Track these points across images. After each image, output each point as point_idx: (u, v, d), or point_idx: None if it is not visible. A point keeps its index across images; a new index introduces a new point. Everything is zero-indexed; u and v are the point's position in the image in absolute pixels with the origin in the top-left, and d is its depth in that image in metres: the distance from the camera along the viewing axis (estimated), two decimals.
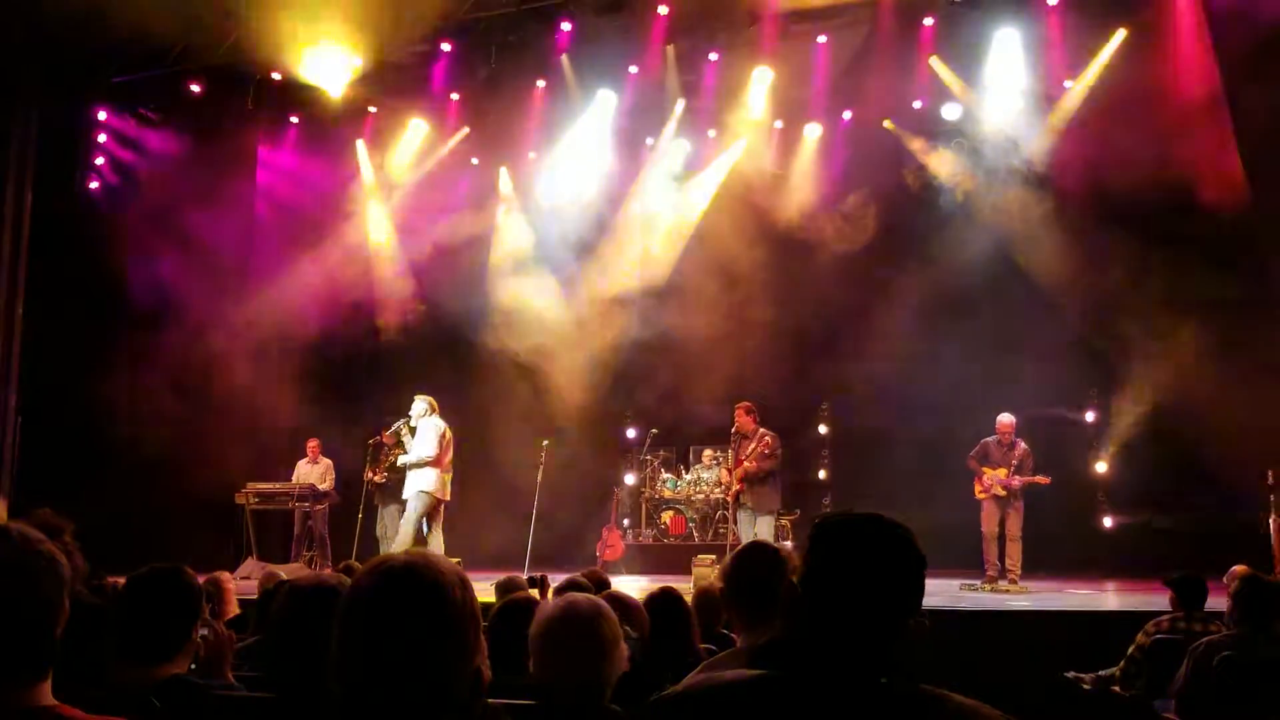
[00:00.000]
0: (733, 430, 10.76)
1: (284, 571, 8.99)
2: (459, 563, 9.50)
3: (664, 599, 4.28)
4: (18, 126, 12.42)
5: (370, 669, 1.73)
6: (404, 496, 10.84)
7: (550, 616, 2.94)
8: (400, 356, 14.71)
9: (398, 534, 10.79)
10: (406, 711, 1.74)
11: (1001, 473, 10.44)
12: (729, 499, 10.92)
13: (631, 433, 15.00)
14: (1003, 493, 10.41)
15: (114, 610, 3.05)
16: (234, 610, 5.77)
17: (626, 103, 13.76)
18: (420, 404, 11.03)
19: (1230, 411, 10.78)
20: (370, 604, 1.76)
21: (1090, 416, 13.09)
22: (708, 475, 13.99)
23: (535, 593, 5.40)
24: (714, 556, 11.17)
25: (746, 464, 10.42)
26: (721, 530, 13.01)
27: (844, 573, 1.68)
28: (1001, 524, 10.47)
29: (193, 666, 3.07)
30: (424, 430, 10.91)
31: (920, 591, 1.70)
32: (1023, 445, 10.54)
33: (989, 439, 10.66)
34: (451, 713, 1.78)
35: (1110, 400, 12.81)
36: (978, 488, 10.58)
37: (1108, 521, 12.72)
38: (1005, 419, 10.64)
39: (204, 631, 3.13)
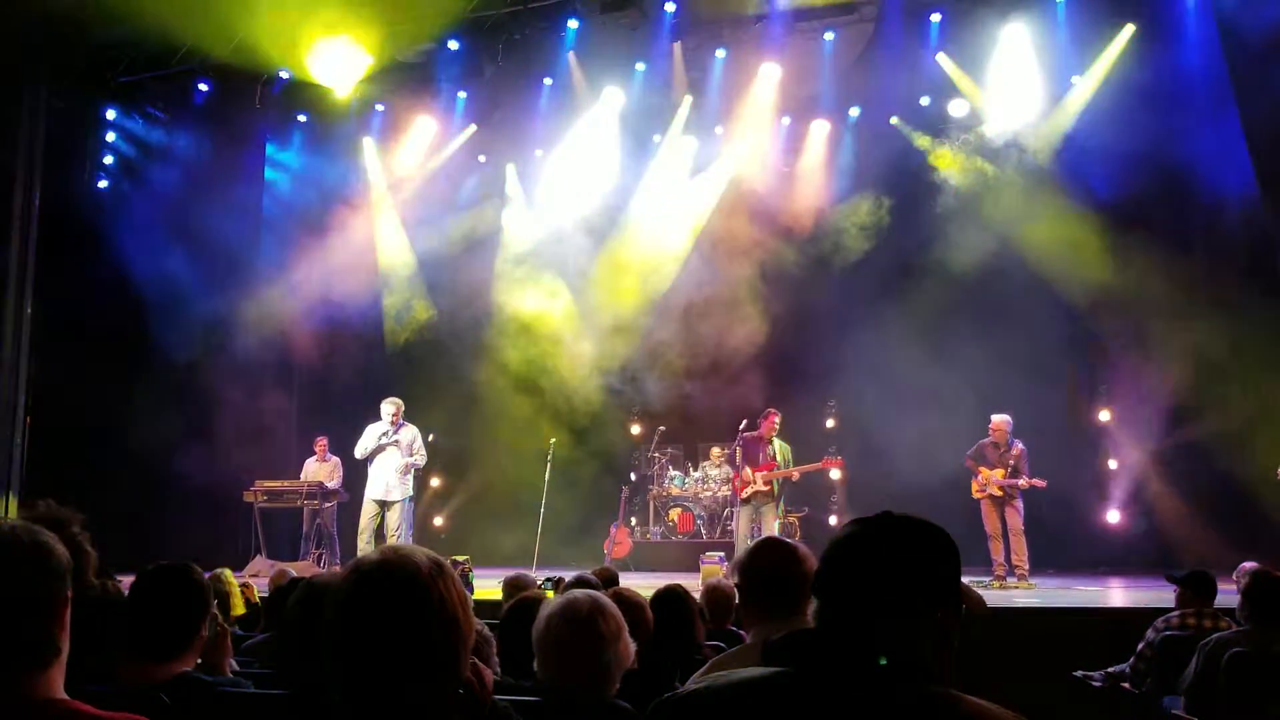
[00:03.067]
0: (760, 433, 10.95)
1: (294, 569, 9.01)
2: (466, 560, 9.52)
3: (669, 597, 4.29)
4: (26, 126, 12.43)
5: (357, 669, 1.73)
6: (385, 499, 10.92)
7: (551, 615, 2.96)
8: (408, 353, 14.74)
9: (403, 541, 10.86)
10: (401, 710, 1.73)
11: (999, 473, 10.42)
12: (739, 494, 11.08)
13: (638, 430, 14.99)
14: (999, 492, 10.40)
15: (123, 608, 3.06)
16: (240, 608, 5.77)
17: (633, 100, 13.76)
18: (396, 406, 11.06)
19: (1241, 408, 10.77)
20: (347, 605, 1.76)
21: (1104, 416, 13.05)
22: (715, 473, 14.00)
23: (552, 594, 5.39)
24: (722, 554, 11.21)
25: (793, 474, 10.97)
26: (729, 528, 13.02)
27: (854, 569, 1.67)
28: (1002, 521, 10.46)
29: (198, 661, 3.07)
30: (416, 436, 11.04)
31: (941, 587, 1.67)
32: (1019, 445, 10.50)
33: (985, 440, 10.63)
34: (447, 707, 1.77)
35: (1120, 398, 12.79)
36: (974, 487, 10.58)
37: (1114, 517, 12.69)
38: (998, 419, 10.62)
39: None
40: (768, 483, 10.83)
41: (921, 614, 1.64)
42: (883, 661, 1.60)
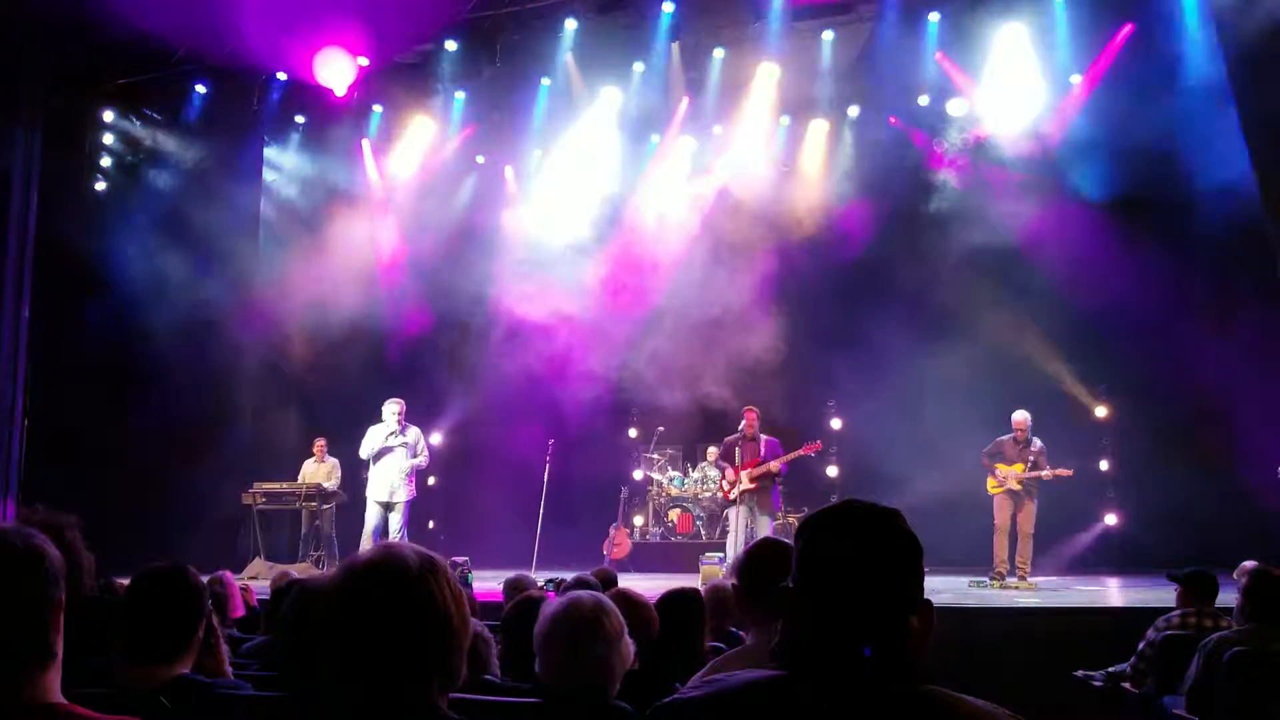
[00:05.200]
0: (744, 433, 10.84)
1: (294, 571, 9.02)
2: (466, 561, 9.51)
3: (682, 599, 4.23)
4: (23, 128, 12.41)
5: (350, 669, 1.73)
6: (389, 500, 10.87)
7: (553, 615, 2.94)
8: (406, 355, 14.72)
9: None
10: (394, 710, 1.73)
11: (1018, 468, 10.40)
12: (726, 496, 11.03)
13: (637, 431, 14.98)
14: (1018, 487, 10.38)
15: (119, 611, 3.05)
16: (240, 610, 5.76)
17: (631, 101, 13.74)
18: (400, 407, 11.01)
19: (1239, 404, 10.77)
20: (337, 605, 1.76)
21: (1101, 413, 13.04)
22: (714, 473, 13.98)
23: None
24: (721, 554, 11.18)
25: (772, 465, 10.67)
26: (729, 528, 13.01)
27: (831, 566, 1.65)
28: (1013, 519, 10.44)
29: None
30: (420, 437, 11.03)
31: (917, 576, 1.66)
32: (1038, 442, 10.51)
33: (1004, 437, 10.61)
34: (439, 707, 1.77)
35: (1119, 396, 12.79)
36: (991, 483, 10.54)
37: (1112, 519, 12.69)
38: (1020, 416, 10.58)
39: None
40: (754, 480, 10.68)
41: (907, 613, 1.63)
42: (867, 652, 1.58)
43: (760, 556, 3.03)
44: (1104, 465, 12.84)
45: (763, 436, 10.92)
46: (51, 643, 1.76)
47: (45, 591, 1.76)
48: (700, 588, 5.31)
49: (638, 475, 14.62)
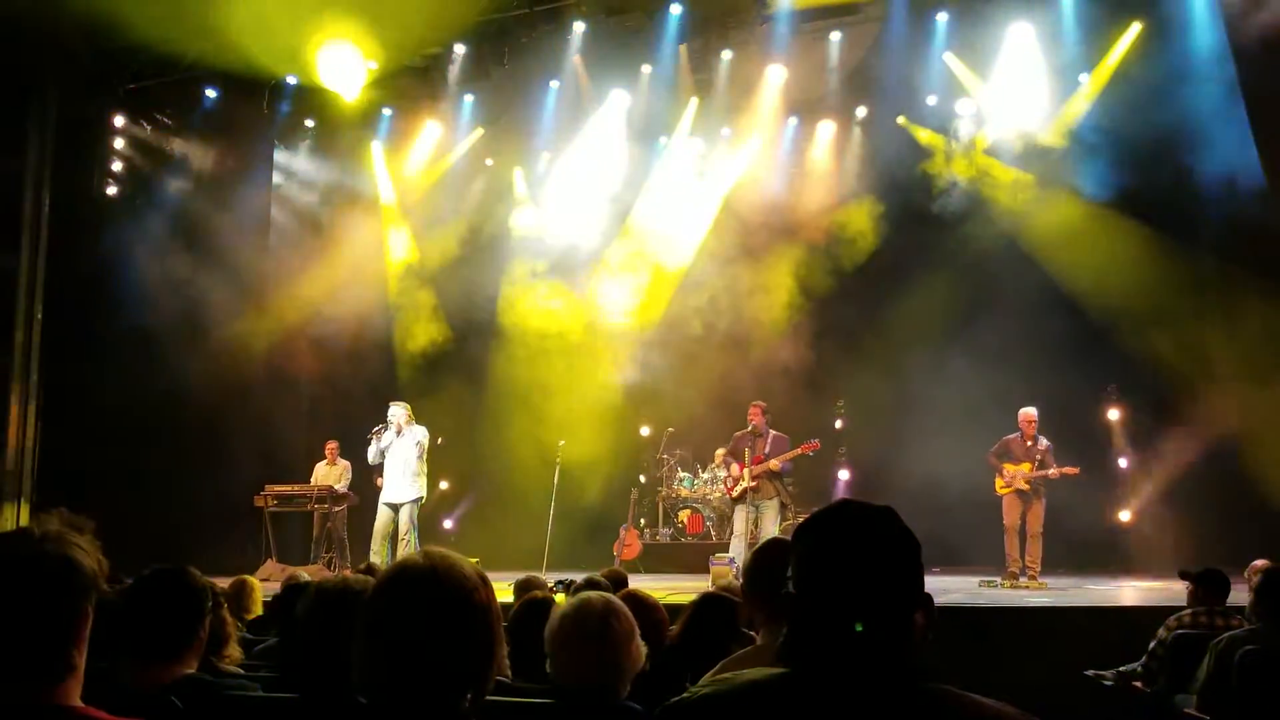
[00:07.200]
0: (750, 428, 10.77)
1: (305, 573, 9.04)
2: (477, 563, 9.52)
3: (718, 601, 4.17)
4: (35, 132, 12.49)
5: (395, 672, 1.73)
6: (392, 501, 10.83)
7: (564, 616, 2.95)
8: (417, 357, 14.75)
9: (406, 546, 10.78)
10: (433, 713, 1.73)
11: (1025, 467, 10.36)
12: (729, 494, 10.93)
13: (647, 432, 14.97)
14: (1025, 486, 10.34)
15: (122, 612, 3.07)
16: (258, 611, 5.79)
17: (640, 103, 13.75)
18: (403, 410, 10.98)
19: (1250, 402, 10.74)
20: (393, 608, 1.76)
21: (1114, 415, 12.99)
22: (724, 474, 13.95)
23: (562, 597, 5.37)
24: (732, 555, 11.15)
25: (772, 464, 10.51)
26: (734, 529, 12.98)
27: (831, 568, 1.64)
28: (1023, 518, 10.41)
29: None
30: (419, 439, 10.99)
31: (917, 573, 1.65)
32: (1045, 441, 10.47)
33: (1010, 436, 10.57)
34: (476, 713, 1.78)
35: (1130, 395, 12.75)
36: (999, 483, 10.51)
37: (1125, 516, 12.65)
38: (1028, 412, 10.54)
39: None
40: (755, 478, 10.52)
41: (910, 611, 1.63)
42: (859, 628, 1.58)
43: (767, 557, 3.03)
44: (1123, 463, 12.77)
45: (771, 432, 10.74)
46: (72, 659, 1.75)
47: (73, 608, 1.75)
48: (709, 589, 5.30)
49: (647, 477, 14.61)
